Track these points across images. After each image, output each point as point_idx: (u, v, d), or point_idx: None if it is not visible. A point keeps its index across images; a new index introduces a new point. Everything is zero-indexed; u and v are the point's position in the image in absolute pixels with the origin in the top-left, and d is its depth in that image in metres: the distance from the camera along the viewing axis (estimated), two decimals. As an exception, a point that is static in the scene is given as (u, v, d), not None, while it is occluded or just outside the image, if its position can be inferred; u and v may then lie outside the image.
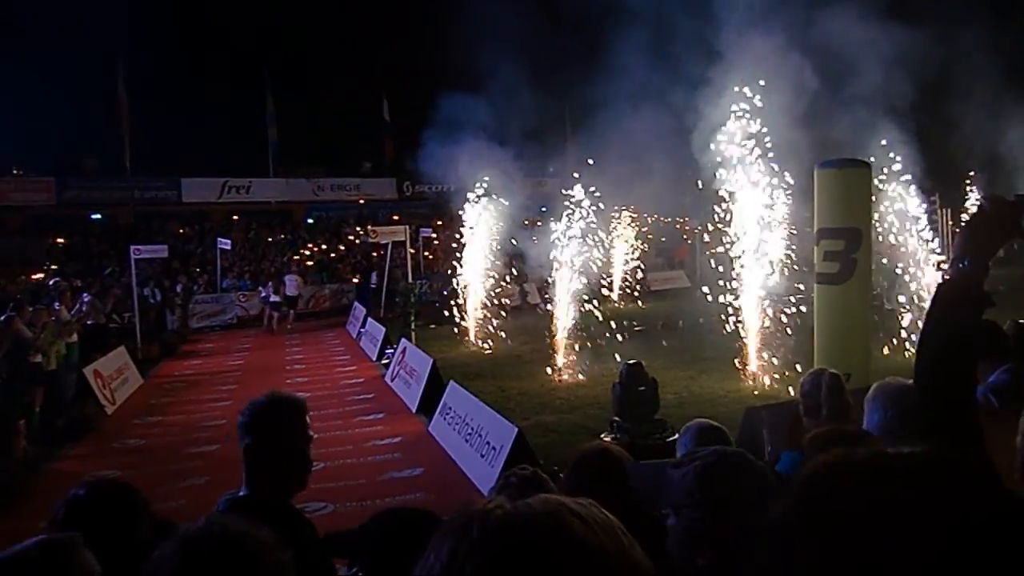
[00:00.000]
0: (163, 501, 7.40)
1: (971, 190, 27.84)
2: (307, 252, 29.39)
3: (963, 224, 1.90)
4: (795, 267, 12.97)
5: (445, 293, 19.64)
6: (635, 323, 17.40)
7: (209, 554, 1.45)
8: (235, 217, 32.09)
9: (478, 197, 17.82)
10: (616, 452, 2.69)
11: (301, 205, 34.48)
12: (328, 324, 23.08)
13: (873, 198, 11.09)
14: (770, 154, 12.21)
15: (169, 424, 11.56)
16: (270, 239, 30.62)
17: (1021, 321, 9.62)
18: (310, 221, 33.83)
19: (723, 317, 12.90)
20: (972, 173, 28.01)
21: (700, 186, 12.98)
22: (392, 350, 14.68)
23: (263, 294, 22.97)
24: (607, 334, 14.59)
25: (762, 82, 11.96)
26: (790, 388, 9.79)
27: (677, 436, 8.28)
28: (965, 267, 1.79)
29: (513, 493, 2.57)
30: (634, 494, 2.33)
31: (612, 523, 0.85)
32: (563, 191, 14.45)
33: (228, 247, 24.86)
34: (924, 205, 14.77)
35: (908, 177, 14.58)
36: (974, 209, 2.08)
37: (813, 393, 3.66)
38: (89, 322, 13.71)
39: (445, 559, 0.80)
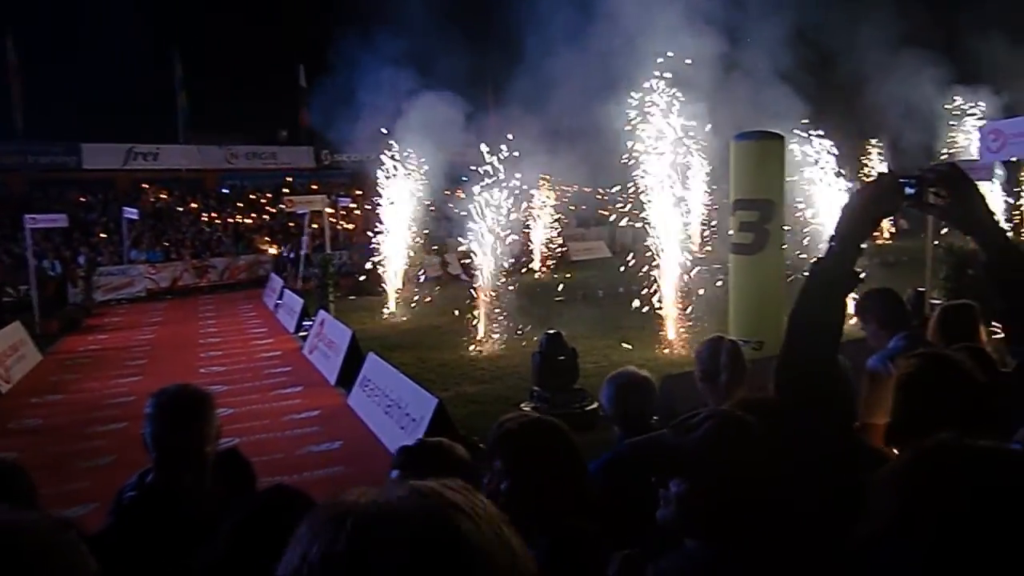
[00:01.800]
0: (64, 483, 7.09)
1: (871, 160, 29.06)
2: (220, 222, 28.46)
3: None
4: (714, 237, 13.26)
5: (365, 262, 19.27)
6: (556, 294, 17.52)
7: None
8: (145, 185, 30.67)
9: (396, 167, 17.52)
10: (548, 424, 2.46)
11: (214, 173, 33.20)
12: (244, 296, 22.45)
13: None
14: (689, 125, 12.37)
15: (72, 402, 11.02)
16: (180, 208, 29.46)
17: (920, 289, 10.07)
18: (225, 191, 32.63)
19: (642, 287, 13.08)
20: (874, 141, 29.19)
21: (622, 158, 13.04)
22: (310, 322, 14.39)
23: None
24: (528, 304, 14.61)
25: (688, 61, 12.08)
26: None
27: (595, 405, 8.46)
28: (834, 247, 1.85)
29: (410, 467, 2.51)
30: (584, 468, 2.29)
31: (495, 515, 0.80)
32: (482, 160, 14.29)
33: (135, 216, 23.80)
34: (836, 175, 15.21)
35: (819, 148, 15.02)
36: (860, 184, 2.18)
37: (712, 359, 3.65)
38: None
39: (297, 561, 0.74)
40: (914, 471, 0.89)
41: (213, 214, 29.51)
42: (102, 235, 25.28)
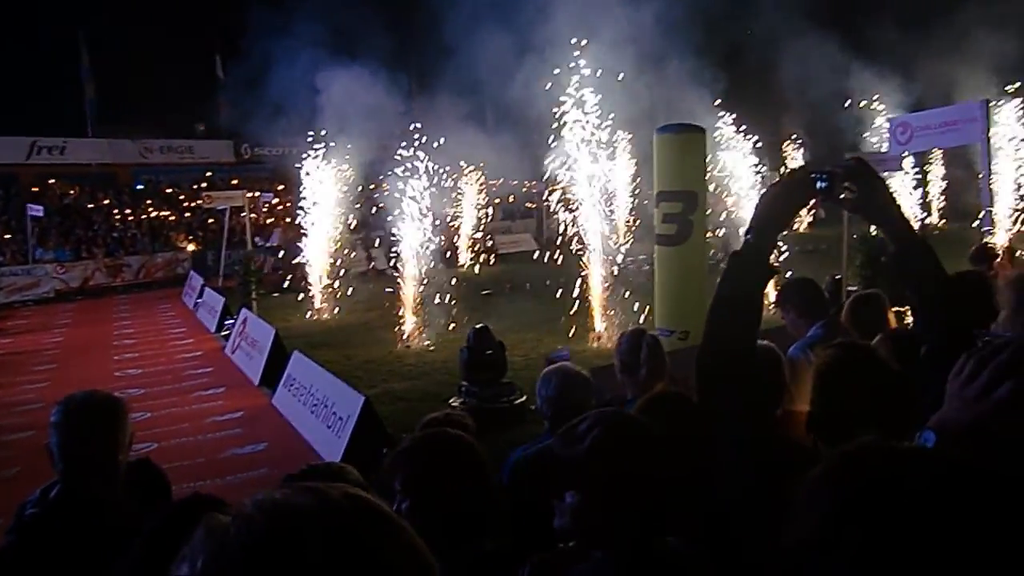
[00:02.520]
0: (-34, 496, 6.69)
1: (790, 152, 30.00)
2: (134, 219, 27.39)
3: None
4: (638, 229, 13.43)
5: (283, 259, 18.84)
6: (483, 287, 17.48)
7: None
8: (51, 181, 29.21)
9: (318, 159, 17.18)
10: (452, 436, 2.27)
11: (126, 168, 31.86)
12: (162, 296, 21.69)
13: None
14: (611, 117, 12.47)
15: (-27, 411, 10.45)
16: (91, 204, 28.21)
17: (837, 276, 10.42)
18: (140, 187, 31.37)
19: (569, 279, 13.16)
20: (794, 136, 30.14)
21: (547, 148, 13.08)
22: (232, 321, 13.99)
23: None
24: (454, 298, 14.54)
25: (605, 69, 12.19)
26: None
27: (524, 398, 8.46)
28: (750, 240, 1.89)
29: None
30: (490, 481, 2.22)
31: (389, 516, 0.78)
32: (406, 151, 14.13)
33: (40, 214, 22.64)
34: (755, 167, 15.58)
35: (738, 138, 15.37)
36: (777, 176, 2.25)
37: (632, 352, 3.69)
38: None
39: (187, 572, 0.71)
40: (836, 478, 0.89)
41: (127, 210, 28.34)
42: (5, 234, 24.01)
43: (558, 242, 14.47)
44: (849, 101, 22.69)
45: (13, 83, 28.59)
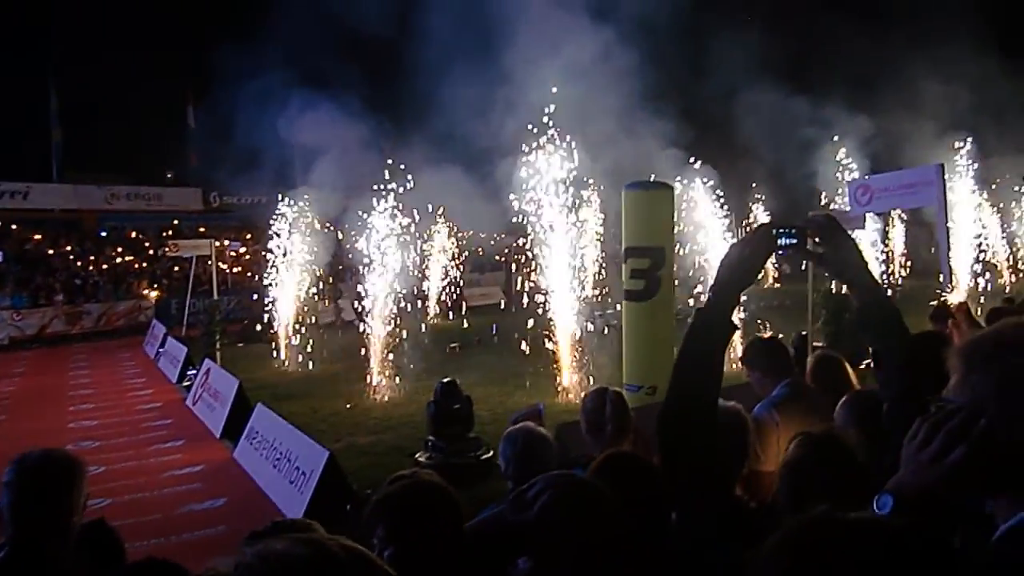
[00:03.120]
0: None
1: (755, 206, 30.55)
2: (95, 267, 26.95)
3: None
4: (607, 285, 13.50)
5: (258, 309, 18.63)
6: (452, 340, 17.41)
7: None
8: (13, 226, 28.70)
9: (288, 210, 17.16)
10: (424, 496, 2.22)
11: (92, 214, 31.50)
12: (123, 344, 21.27)
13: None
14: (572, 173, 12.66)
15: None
16: (52, 251, 27.74)
17: (804, 333, 10.53)
18: (103, 233, 30.96)
19: (537, 333, 13.16)
20: (754, 185, 30.65)
21: (513, 205, 13.19)
22: (195, 371, 13.73)
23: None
24: (423, 351, 14.45)
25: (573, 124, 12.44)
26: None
27: (491, 453, 8.37)
28: (712, 298, 1.93)
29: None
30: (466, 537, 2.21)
31: (382, 568, 0.83)
32: (376, 205, 14.17)
33: (-1, 259, 22.23)
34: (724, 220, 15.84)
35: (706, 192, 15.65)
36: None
37: (597, 411, 3.67)
38: None
39: None
40: (787, 549, 0.93)
41: (90, 257, 27.91)
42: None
43: (525, 296, 14.51)
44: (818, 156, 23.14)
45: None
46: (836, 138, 21.28)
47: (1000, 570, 1.20)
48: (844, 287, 2.09)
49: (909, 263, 28.20)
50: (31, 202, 29.77)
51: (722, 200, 15.88)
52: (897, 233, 28.12)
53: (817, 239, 2.00)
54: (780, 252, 1.99)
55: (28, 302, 22.89)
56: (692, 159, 15.58)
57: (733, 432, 2.80)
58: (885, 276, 23.74)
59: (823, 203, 20.68)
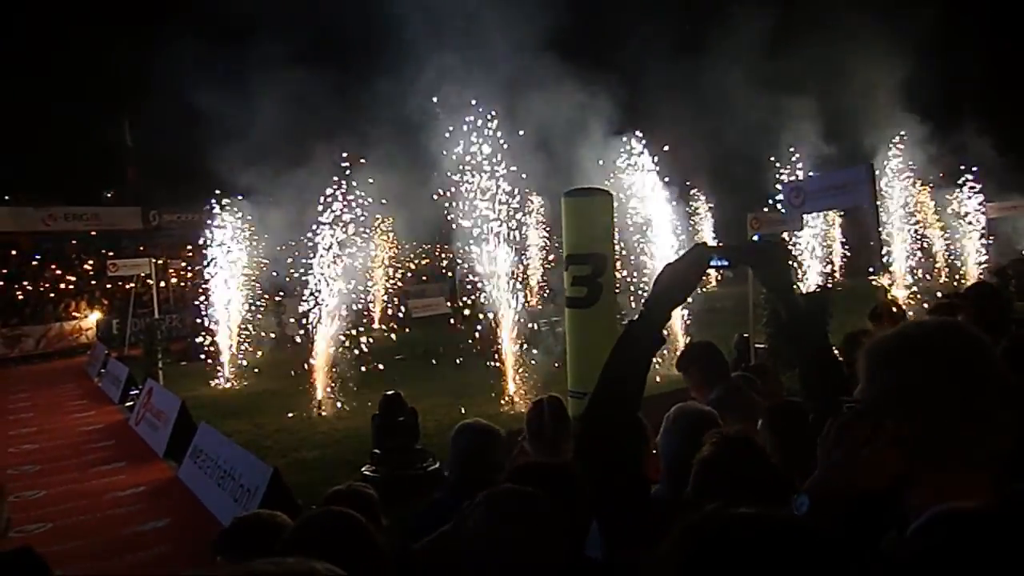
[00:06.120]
0: None
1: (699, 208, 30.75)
2: (33, 288, 26.28)
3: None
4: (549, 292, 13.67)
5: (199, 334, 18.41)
6: (396, 352, 17.43)
7: None
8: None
9: (227, 225, 17.05)
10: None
11: (28, 236, 30.68)
12: (63, 366, 20.86)
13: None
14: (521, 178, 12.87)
15: None
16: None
17: (745, 335, 10.80)
18: (39, 256, 30.15)
19: (482, 343, 13.30)
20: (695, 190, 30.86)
21: (454, 216, 13.31)
22: (137, 391, 13.57)
23: None
24: (367, 364, 14.47)
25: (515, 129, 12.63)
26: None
27: (437, 465, 8.47)
28: (645, 313, 2.04)
29: (232, 548, 2.49)
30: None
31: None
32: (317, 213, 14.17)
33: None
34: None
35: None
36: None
37: (536, 420, 3.74)
38: None
39: None
40: (681, 542, 0.97)
41: (26, 280, 27.20)
42: None
43: (468, 306, 14.64)
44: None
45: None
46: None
47: (905, 569, 1.22)
48: None
49: (848, 261, 28.53)
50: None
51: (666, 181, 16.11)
52: (836, 232, 28.35)
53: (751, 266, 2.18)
54: (713, 270, 2.14)
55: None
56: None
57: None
58: (827, 276, 24.20)
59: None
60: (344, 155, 14.34)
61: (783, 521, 1.01)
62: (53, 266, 28.84)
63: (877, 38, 22.03)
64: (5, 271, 27.40)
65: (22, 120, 29.89)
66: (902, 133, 21.02)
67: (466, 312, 14.42)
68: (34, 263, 29.02)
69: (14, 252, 29.04)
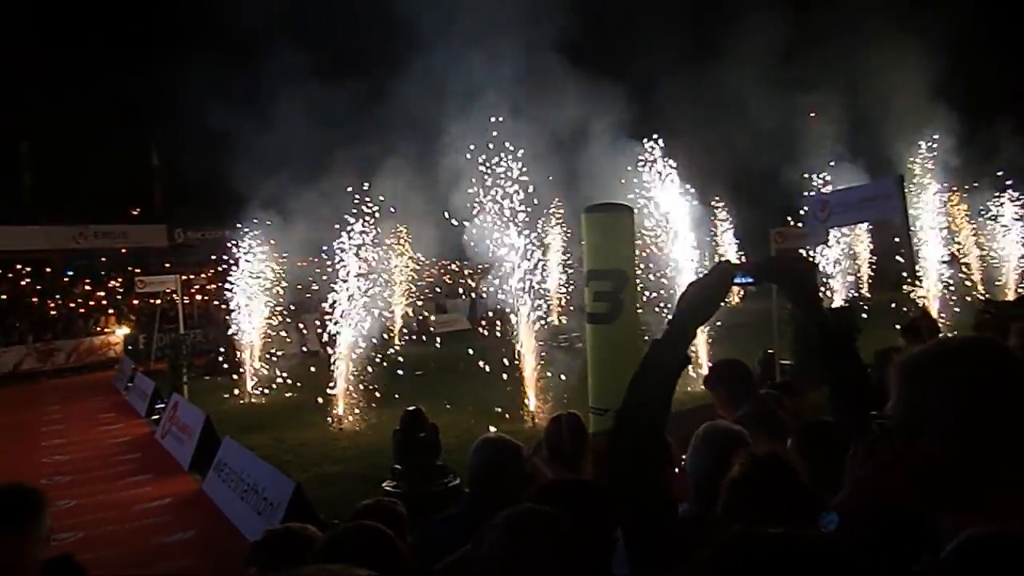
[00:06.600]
0: None
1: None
2: (65, 304, 26.83)
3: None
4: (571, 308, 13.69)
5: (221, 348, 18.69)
6: (417, 367, 17.55)
7: None
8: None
9: (251, 242, 17.35)
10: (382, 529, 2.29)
11: (60, 254, 31.38)
12: (93, 380, 21.29)
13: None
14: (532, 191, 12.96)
15: None
16: (21, 289, 27.57)
17: (770, 351, 10.65)
18: (71, 273, 30.81)
19: (504, 358, 13.36)
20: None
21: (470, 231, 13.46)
22: (163, 405, 13.83)
23: None
24: (388, 379, 14.59)
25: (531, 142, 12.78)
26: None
27: (458, 481, 8.52)
28: (670, 332, 2.02)
29: (265, 559, 2.60)
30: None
31: None
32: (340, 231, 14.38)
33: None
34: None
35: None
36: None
37: (555, 436, 3.77)
38: None
39: None
40: (710, 562, 0.96)
41: (59, 295, 27.81)
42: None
43: (486, 323, 14.71)
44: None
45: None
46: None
47: None
48: None
49: (876, 275, 27.66)
50: (2, 244, 29.60)
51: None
52: (864, 246, 27.71)
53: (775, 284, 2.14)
54: (738, 287, 2.10)
55: (1, 341, 22.82)
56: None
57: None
58: (855, 291, 23.66)
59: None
60: (365, 173, 14.59)
61: (811, 540, 1.00)
62: (84, 282, 29.47)
63: (905, 42, 21.82)
64: (39, 287, 28.03)
65: (55, 141, 30.71)
66: (935, 136, 20.59)
67: (487, 329, 14.46)
68: (66, 279, 29.68)
69: (48, 269, 29.71)
